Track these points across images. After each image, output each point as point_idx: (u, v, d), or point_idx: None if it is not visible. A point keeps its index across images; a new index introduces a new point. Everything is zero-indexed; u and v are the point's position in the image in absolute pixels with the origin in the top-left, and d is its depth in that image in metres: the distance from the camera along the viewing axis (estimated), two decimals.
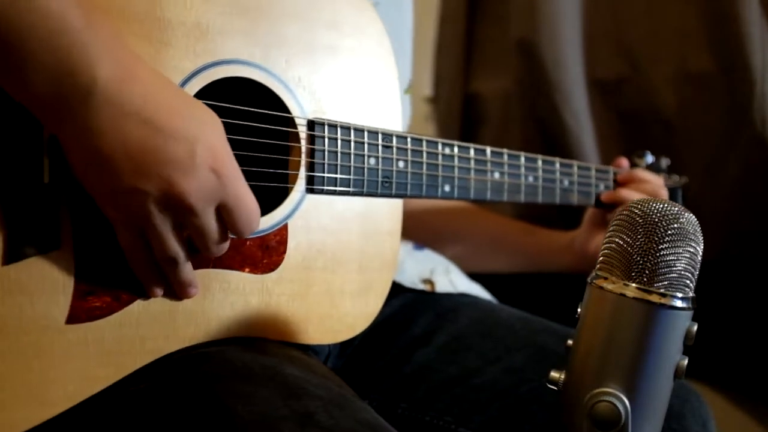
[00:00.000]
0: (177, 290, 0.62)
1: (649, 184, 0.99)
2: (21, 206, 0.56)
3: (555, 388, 0.51)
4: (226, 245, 0.62)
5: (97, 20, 0.52)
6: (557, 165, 0.92)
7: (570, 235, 1.06)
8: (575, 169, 0.94)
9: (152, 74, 0.56)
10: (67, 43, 0.50)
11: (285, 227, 0.69)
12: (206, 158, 0.56)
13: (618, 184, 1.00)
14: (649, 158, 1.07)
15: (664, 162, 1.10)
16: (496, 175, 0.84)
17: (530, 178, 0.88)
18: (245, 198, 0.59)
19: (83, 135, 0.53)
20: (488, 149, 0.83)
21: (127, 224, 0.57)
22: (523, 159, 0.87)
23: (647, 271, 0.47)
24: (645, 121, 1.38)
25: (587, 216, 1.03)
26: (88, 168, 0.54)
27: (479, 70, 1.64)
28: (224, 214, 0.59)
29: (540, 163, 0.89)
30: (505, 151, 0.85)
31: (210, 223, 0.58)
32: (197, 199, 0.56)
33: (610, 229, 0.51)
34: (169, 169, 0.54)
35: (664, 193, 1.01)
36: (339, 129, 0.71)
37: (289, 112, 0.69)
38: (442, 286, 0.98)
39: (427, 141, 0.78)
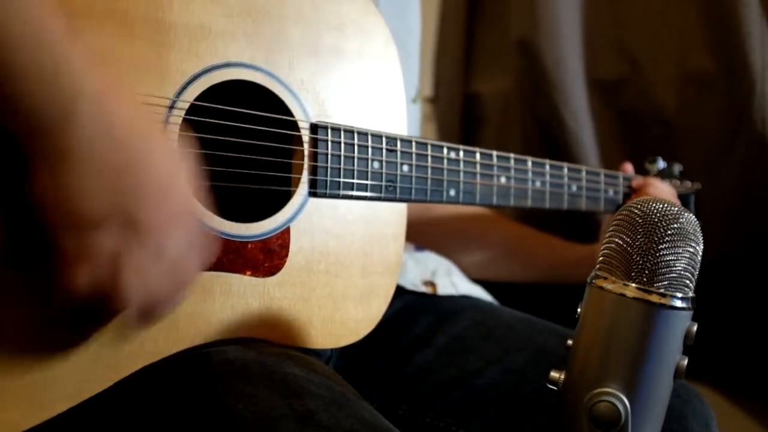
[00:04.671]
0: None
1: (662, 194, 0.99)
2: (21, 208, 0.56)
3: (555, 388, 0.51)
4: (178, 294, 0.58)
5: (73, 35, 0.50)
6: (565, 170, 0.91)
7: (588, 248, 1.06)
8: (584, 174, 0.94)
9: (131, 96, 0.55)
10: (48, 52, 0.48)
11: (287, 230, 0.69)
12: (179, 198, 0.55)
13: (633, 190, 0.99)
14: (661, 164, 1.07)
15: (677, 168, 1.10)
16: (503, 179, 0.84)
17: (537, 183, 0.87)
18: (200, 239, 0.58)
19: (59, 156, 0.49)
20: (494, 153, 0.83)
21: (80, 257, 0.52)
22: (530, 163, 0.86)
23: (647, 271, 0.48)
24: (645, 121, 1.38)
25: (604, 229, 1.03)
26: (57, 192, 0.50)
27: (479, 70, 1.64)
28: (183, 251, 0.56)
29: (548, 167, 0.89)
30: (511, 155, 0.84)
31: (171, 259, 0.55)
32: (167, 231, 0.54)
33: (610, 229, 0.51)
34: (143, 201, 0.52)
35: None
36: (342, 132, 0.71)
37: (292, 115, 0.69)
38: (444, 287, 0.98)
39: (432, 145, 0.77)
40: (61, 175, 0.50)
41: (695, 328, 0.49)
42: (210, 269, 0.65)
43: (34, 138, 0.50)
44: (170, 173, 0.55)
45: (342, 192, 0.71)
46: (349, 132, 0.72)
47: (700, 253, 0.49)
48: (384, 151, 0.74)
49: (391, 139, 0.74)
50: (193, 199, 0.58)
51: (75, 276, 0.52)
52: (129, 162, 0.52)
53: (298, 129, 0.69)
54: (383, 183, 0.74)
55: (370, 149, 0.73)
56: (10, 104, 0.48)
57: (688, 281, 0.48)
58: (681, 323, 0.48)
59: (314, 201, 0.71)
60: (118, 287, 0.53)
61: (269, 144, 0.68)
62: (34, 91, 0.48)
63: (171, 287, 0.57)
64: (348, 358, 0.87)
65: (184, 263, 0.56)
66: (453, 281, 1.00)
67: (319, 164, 0.70)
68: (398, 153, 0.75)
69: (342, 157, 0.71)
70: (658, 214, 0.48)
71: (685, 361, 0.49)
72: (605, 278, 0.49)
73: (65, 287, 0.52)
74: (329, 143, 0.70)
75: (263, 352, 0.64)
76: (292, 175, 0.70)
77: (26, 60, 0.47)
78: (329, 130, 0.70)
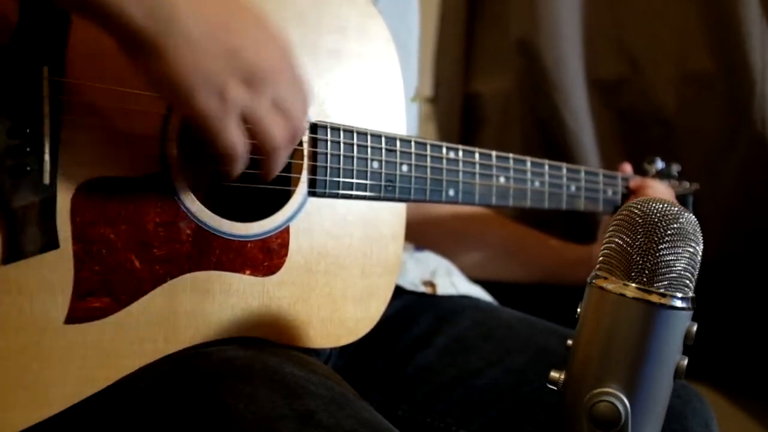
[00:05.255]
0: (266, 172, 0.64)
1: (660, 194, 0.99)
2: (21, 206, 0.56)
3: (555, 388, 0.51)
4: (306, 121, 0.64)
5: None
6: (564, 170, 0.91)
7: (586, 249, 1.06)
8: (582, 174, 0.94)
9: None
10: None
11: (287, 230, 0.69)
12: (281, 45, 0.61)
13: (630, 191, 1.00)
14: (659, 164, 1.07)
15: (675, 168, 1.10)
16: (502, 179, 0.84)
17: (536, 183, 0.88)
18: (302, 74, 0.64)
19: (173, 31, 0.53)
20: (494, 153, 0.83)
21: (226, 113, 0.57)
22: (529, 164, 0.87)
23: (647, 271, 0.47)
24: (645, 121, 1.38)
25: (602, 229, 1.03)
26: (184, 63, 0.54)
27: (479, 70, 1.64)
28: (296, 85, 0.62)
29: (546, 168, 0.89)
30: (510, 155, 0.84)
31: (291, 91, 0.61)
32: (281, 70, 0.60)
33: (610, 229, 0.51)
34: (253, 52, 0.57)
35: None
36: (342, 132, 0.71)
37: None
38: (444, 287, 0.98)
39: (431, 145, 0.77)
40: (181, 48, 0.54)
41: (695, 328, 0.49)
42: (209, 268, 0.65)
43: (143, 24, 0.52)
44: (266, 27, 0.60)
45: (341, 192, 0.71)
46: (349, 132, 0.72)
47: (700, 253, 0.49)
48: (383, 150, 0.74)
49: (391, 139, 0.74)
50: (291, 47, 0.62)
51: (229, 130, 0.58)
52: (232, 21, 0.57)
53: None
54: (382, 183, 0.74)
55: (369, 149, 0.73)
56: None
57: (688, 281, 0.48)
58: (681, 323, 0.48)
59: (314, 201, 0.70)
60: (264, 127, 0.60)
61: None
62: None
63: (290, 128, 0.62)
64: (348, 357, 0.87)
65: (294, 105, 0.62)
66: (453, 281, 1.00)
67: (318, 164, 0.70)
68: (397, 153, 0.75)
69: (341, 157, 0.71)
70: (658, 214, 0.48)
71: (685, 361, 0.49)
72: (605, 278, 0.49)
73: (225, 144, 0.58)
74: (329, 143, 0.70)
75: (263, 352, 0.64)
76: (291, 175, 0.70)
77: None
78: (329, 130, 0.70)
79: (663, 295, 0.47)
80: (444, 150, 0.78)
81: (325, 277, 0.72)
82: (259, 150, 0.61)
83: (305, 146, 0.70)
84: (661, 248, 0.47)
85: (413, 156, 0.76)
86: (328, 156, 0.70)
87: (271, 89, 0.59)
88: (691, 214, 0.49)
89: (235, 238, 0.66)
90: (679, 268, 0.48)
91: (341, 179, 0.71)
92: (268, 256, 0.68)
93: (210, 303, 0.65)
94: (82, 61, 0.58)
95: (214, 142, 0.58)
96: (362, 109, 0.74)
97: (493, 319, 0.93)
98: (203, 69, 0.55)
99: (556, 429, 0.51)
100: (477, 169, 0.81)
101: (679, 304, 0.47)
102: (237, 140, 0.59)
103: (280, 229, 0.69)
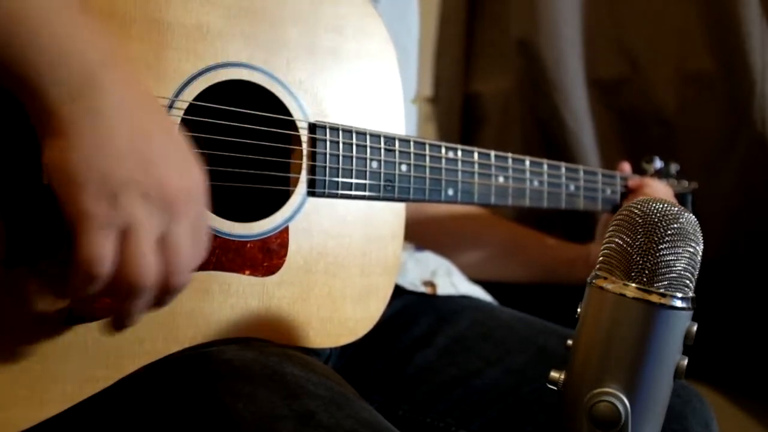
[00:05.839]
0: (116, 319, 0.56)
1: (659, 193, 0.99)
2: (21, 208, 0.56)
3: (555, 388, 0.51)
4: (189, 277, 0.56)
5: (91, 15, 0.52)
6: (563, 170, 0.91)
7: (584, 248, 1.06)
8: (581, 173, 0.94)
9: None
10: (73, 24, 0.50)
11: (286, 230, 0.69)
12: (198, 175, 0.56)
13: (629, 190, 1.00)
14: (658, 163, 1.07)
15: (674, 167, 1.10)
16: (501, 179, 0.84)
17: (535, 183, 0.88)
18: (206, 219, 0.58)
19: (90, 118, 0.50)
20: (492, 153, 0.83)
21: (106, 222, 0.50)
22: (527, 163, 0.87)
23: (647, 271, 0.47)
24: (645, 121, 1.38)
25: (600, 227, 1.03)
26: (87, 155, 0.50)
27: (479, 70, 1.64)
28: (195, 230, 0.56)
29: (545, 167, 0.89)
30: (509, 155, 0.84)
31: (187, 234, 0.54)
32: (187, 204, 0.54)
33: (610, 229, 0.51)
34: (167, 171, 0.53)
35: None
36: (341, 132, 0.71)
37: (290, 115, 0.69)
38: (444, 287, 0.98)
39: (430, 144, 0.77)
40: (91, 137, 0.50)
41: (695, 328, 0.49)
42: (208, 268, 0.65)
43: (63, 105, 0.49)
44: (189, 155, 0.56)
45: (340, 192, 0.71)
46: (348, 132, 0.72)
47: (700, 253, 0.49)
48: (382, 150, 0.74)
49: (390, 139, 0.74)
50: (205, 184, 0.57)
51: (99, 242, 0.50)
52: (155, 129, 0.53)
53: (296, 129, 0.69)
54: (381, 183, 0.74)
55: (368, 149, 0.73)
56: (43, 72, 0.49)
57: (688, 281, 0.48)
58: (681, 323, 0.48)
59: (313, 201, 0.70)
60: (139, 256, 0.51)
61: (268, 144, 0.68)
62: (63, 57, 0.49)
63: (177, 270, 0.54)
64: (348, 357, 0.87)
65: (185, 250, 0.55)
66: (453, 281, 1.00)
67: (317, 164, 0.70)
68: (396, 152, 0.75)
69: (340, 157, 0.71)
70: (658, 214, 0.48)
71: (685, 361, 0.49)
72: (605, 278, 0.49)
73: (87, 254, 0.50)
74: (327, 143, 0.70)
75: (263, 352, 0.64)
76: (290, 175, 0.70)
77: (52, 29, 0.49)
78: (327, 130, 0.70)
79: (663, 295, 0.47)
80: (443, 150, 0.78)
81: (325, 277, 0.72)
82: (121, 282, 0.52)
83: (304, 146, 0.70)
84: (661, 248, 0.47)
85: (412, 156, 0.76)
86: (327, 156, 0.70)
87: (168, 220, 0.52)
88: (691, 214, 0.49)
89: (235, 238, 0.66)
90: (679, 268, 0.48)
91: (340, 179, 0.71)
92: (267, 256, 0.68)
93: (210, 303, 0.65)
94: None
95: (78, 248, 0.50)
96: (361, 108, 0.74)
97: (492, 319, 0.93)
98: (104, 168, 0.49)
99: (556, 429, 0.51)
100: (476, 168, 0.81)
101: (679, 304, 0.47)
102: (102, 256, 0.50)
103: (279, 230, 0.69)
